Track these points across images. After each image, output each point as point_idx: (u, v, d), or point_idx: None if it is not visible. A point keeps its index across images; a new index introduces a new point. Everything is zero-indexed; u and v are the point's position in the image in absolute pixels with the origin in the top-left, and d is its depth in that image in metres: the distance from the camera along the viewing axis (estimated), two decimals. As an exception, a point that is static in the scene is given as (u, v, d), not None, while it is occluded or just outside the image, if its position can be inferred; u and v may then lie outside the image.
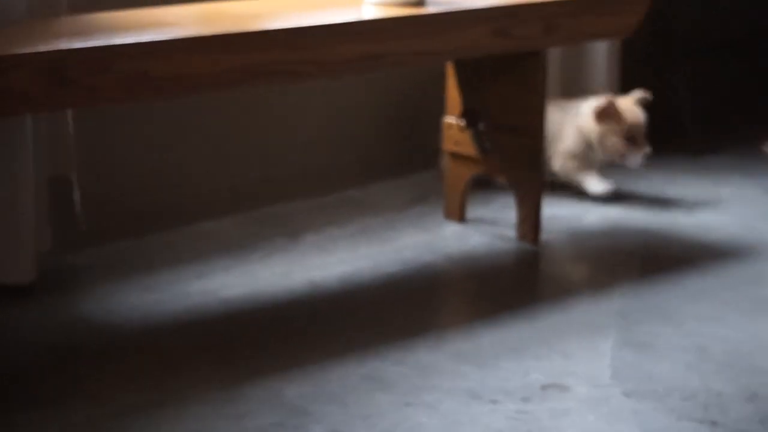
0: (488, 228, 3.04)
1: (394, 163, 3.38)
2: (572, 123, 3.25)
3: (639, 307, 2.61)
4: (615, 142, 3.20)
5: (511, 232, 2.98)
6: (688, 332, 2.49)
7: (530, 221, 2.93)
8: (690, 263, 2.84)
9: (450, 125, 3.03)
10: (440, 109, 3.12)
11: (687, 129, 3.85)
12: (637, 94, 3.26)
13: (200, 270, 2.75)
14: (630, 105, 3.24)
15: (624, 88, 3.62)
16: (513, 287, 2.74)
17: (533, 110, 2.90)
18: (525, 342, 2.43)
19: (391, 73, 3.32)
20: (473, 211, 3.11)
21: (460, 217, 3.07)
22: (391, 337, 2.43)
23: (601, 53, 3.59)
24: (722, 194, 3.31)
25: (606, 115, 3.19)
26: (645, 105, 3.26)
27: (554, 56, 3.55)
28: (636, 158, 3.21)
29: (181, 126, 2.98)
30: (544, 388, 2.25)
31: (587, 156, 3.24)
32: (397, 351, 2.38)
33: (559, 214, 3.13)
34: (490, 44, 2.74)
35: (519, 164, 2.93)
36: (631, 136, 3.20)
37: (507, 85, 2.93)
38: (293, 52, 2.45)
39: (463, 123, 3.00)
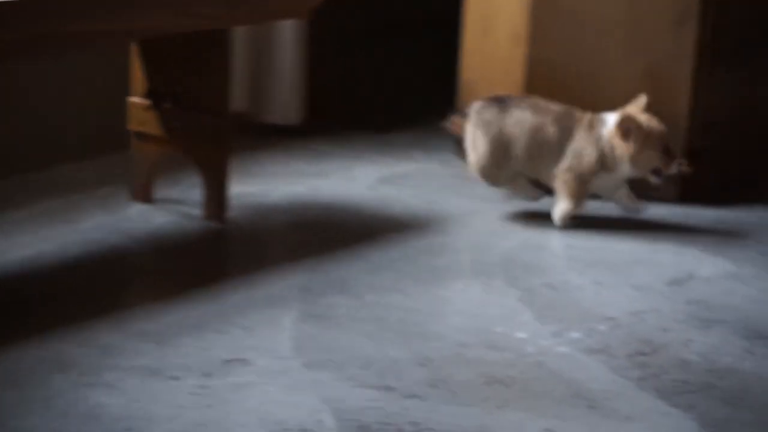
0: (175, 207, 3.04)
1: (82, 143, 3.33)
2: (590, 143, 2.98)
3: (321, 281, 2.67)
4: (651, 156, 2.96)
5: (198, 211, 2.99)
6: (367, 303, 2.56)
7: (216, 200, 2.94)
8: (372, 237, 2.93)
9: (135, 105, 3.01)
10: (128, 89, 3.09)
11: (370, 107, 3.95)
12: (642, 100, 3.00)
13: None
14: (646, 115, 2.97)
15: (310, 69, 3.69)
16: (198, 266, 2.75)
17: (217, 89, 2.92)
18: (207, 319, 2.45)
19: (78, 52, 3.26)
20: (161, 191, 3.10)
21: (147, 197, 3.06)
22: (73, 319, 2.40)
23: (288, 34, 3.64)
24: (403, 169, 3.42)
25: (629, 131, 2.94)
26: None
27: (241, 36, 3.58)
28: (673, 168, 2.97)
29: None
30: (225, 362, 2.28)
31: (596, 179, 3.01)
32: (77, 332, 2.35)
33: (245, 192, 3.15)
34: (173, 24, 2.73)
35: (204, 143, 2.94)
36: (663, 147, 2.98)
37: (191, 64, 2.93)
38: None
39: (148, 102, 2.98)
